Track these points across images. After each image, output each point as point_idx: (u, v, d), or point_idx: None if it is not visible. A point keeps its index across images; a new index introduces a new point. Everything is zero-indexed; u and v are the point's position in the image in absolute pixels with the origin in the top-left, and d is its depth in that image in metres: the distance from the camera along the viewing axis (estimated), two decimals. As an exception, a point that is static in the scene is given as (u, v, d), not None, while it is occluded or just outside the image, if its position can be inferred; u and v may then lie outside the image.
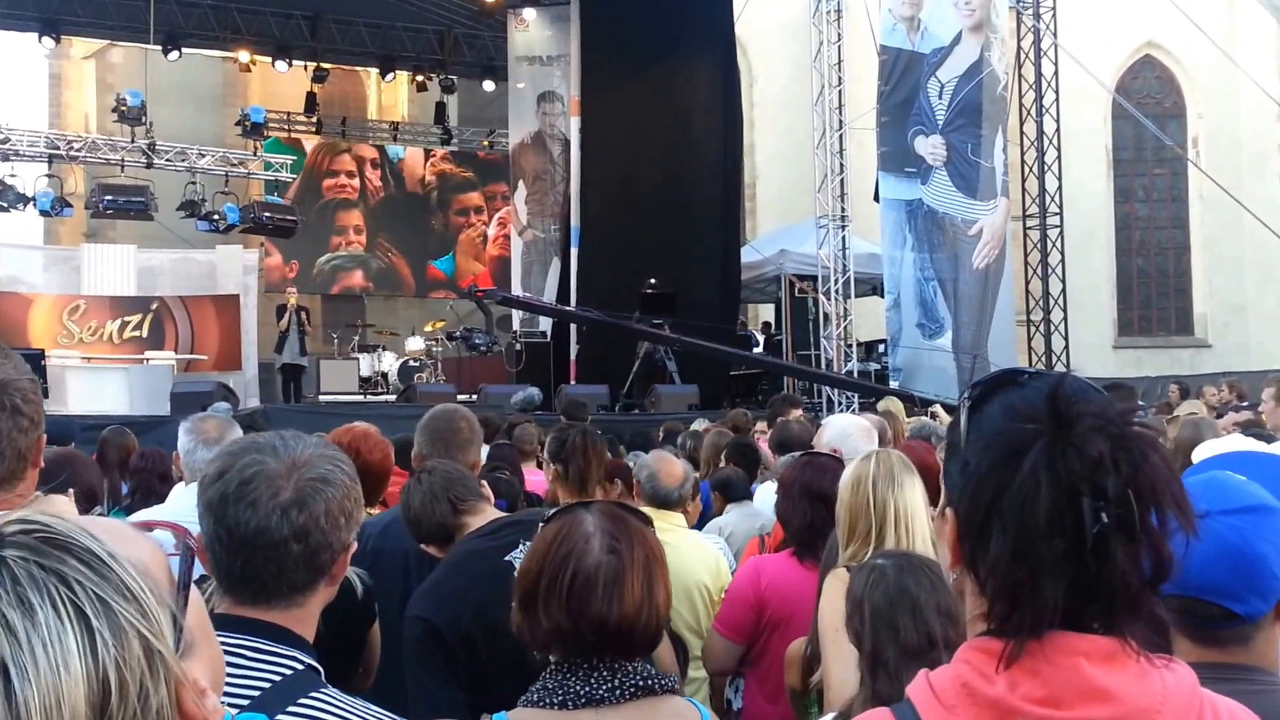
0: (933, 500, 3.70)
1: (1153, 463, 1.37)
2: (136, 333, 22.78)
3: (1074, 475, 1.35)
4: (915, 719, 1.44)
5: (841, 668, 3.36)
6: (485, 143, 28.53)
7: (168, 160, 23.70)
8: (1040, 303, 22.90)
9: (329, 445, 2.17)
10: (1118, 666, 1.39)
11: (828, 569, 3.67)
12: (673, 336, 17.35)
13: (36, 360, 15.87)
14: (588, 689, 2.32)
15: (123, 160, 23.33)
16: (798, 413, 9.51)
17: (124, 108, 22.57)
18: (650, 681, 2.37)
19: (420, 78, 26.96)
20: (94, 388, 19.44)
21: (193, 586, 1.26)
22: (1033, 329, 23.21)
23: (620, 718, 2.33)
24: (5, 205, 21.73)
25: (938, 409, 11.77)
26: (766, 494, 6.53)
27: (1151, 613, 1.41)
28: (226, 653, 1.70)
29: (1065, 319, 22.96)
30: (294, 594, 2.04)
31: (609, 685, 2.33)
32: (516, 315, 21.78)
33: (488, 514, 3.57)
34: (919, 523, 3.56)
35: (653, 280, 18.06)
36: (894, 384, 18.16)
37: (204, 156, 24.46)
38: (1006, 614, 1.40)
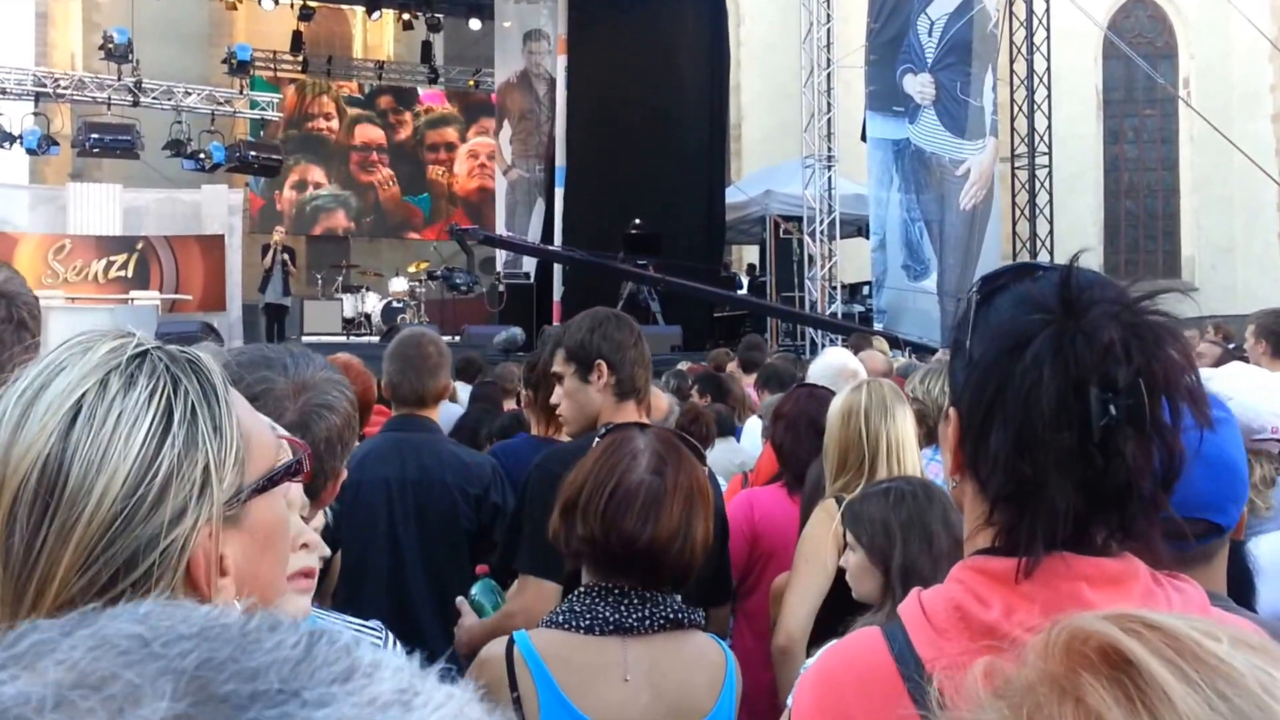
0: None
1: (1168, 352, 1.30)
2: (122, 273, 22.68)
3: (1082, 364, 1.28)
4: (905, 640, 1.37)
5: (798, 598, 3.42)
6: (471, 82, 28.29)
7: (154, 99, 23.58)
8: (1027, 244, 22.79)
9: (334, 369, 2.16)
10: (1122, 590, 1.31)
11: (813, 501, 3.66)
12: (656, 276, 17.30)
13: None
14: (617, 616, 2.30)
15: (109, 99, 23.23)
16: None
17: (111, 45, 22.44)
18: (679, 615, 2.35)
19: (406, 16, 26.67)
20: (78, 328, 18.86)
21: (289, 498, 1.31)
22: (1019, 271, 23.16)
23: (647, 648, 2.31)
24: (-9, 143, 21.63)
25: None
26: (750, 432, 6.56)
27: (1170, 519, 1.34)
28: None
29: (1053, 261, 22.87)
30: None
31: (639, 615, 2.31)
32: (500, 256, 21.73)
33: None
34: (910, 453, 3.55)
35: (637, 220, 17.99)
36: (878, 326, 18.07)
37: (190, 95, 24.34)
38: (1013, 522, 1.34)
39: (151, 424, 1.04)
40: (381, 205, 29.51)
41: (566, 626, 2.31)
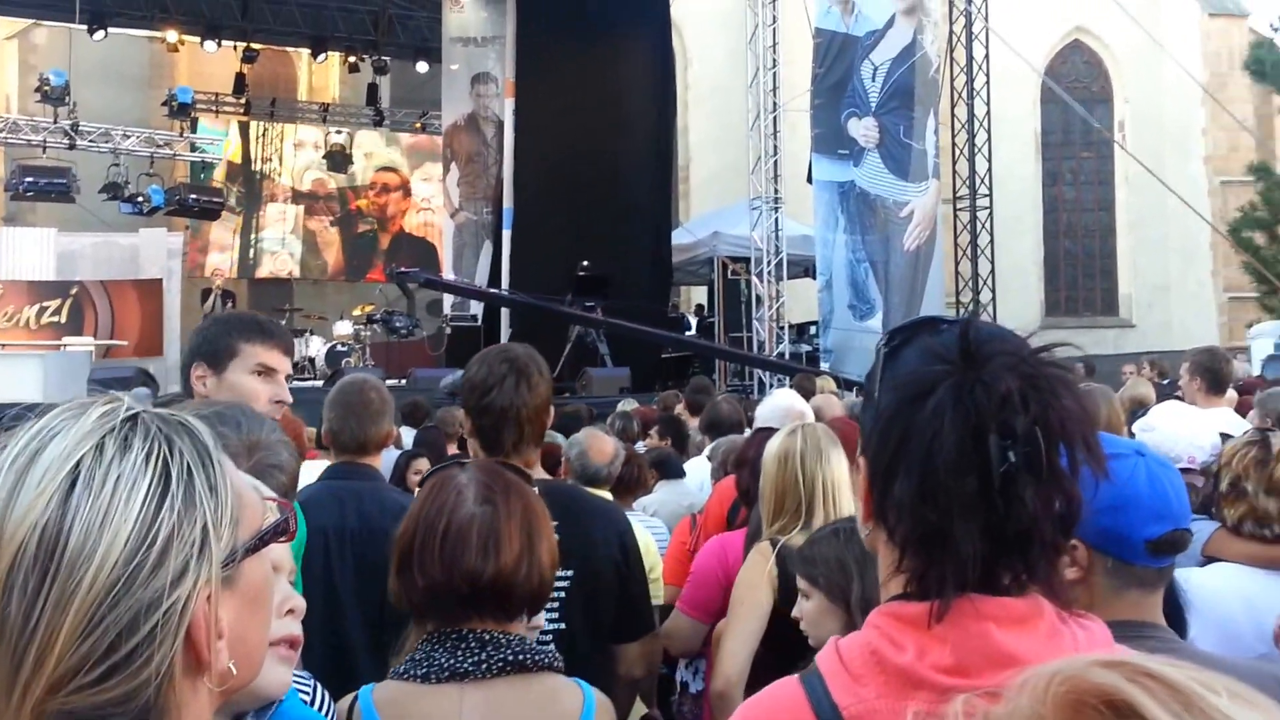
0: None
1: (1064, 402, 1.35)
2: (55, 318, 22.38)
3: (982, 412, 1.32)
4: (822, 688, 1.40)
5: (735, 643, 3.41)
6: (418, 124, 28.25)
7: (91, 141, 23.35)
8: (969, 284, 23.09)
9: (280, 428, 2.17)
10: (1028, 629, 1.35)
11: (752, 542, 3.66)
12: (601, 319, 17.30)
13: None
14: (453, 661, 2.19)
15: (44, 141, 22.95)
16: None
17: (47, 88, 22.22)
18: (522, 657, 2.22)
19: (353, 59, 26.66)
20: (6, 375, 19.04)
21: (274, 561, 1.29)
22: (962, 310, 23.33)
23: (486, 694, 2.19)
24: (-77, 186, 21.26)
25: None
26: (696, 472, 6.57)
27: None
28: None
29: (994, 300, 23.17)
30: None
31: (475, 659, 2.19)
32: (448, 298, 21.65)
33: None
34: (845, 495, 3.55)
35: (585, 262, 18.01)
36: (825, 365, 18.19)
37: (128, 138, 24.11)
38: (922, 568, 1.37)
39: (150, 486, 1.04)
40: (326, 248, 29.31)
41: (406, 676, 2.22)
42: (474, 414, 3.35)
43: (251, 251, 28.45)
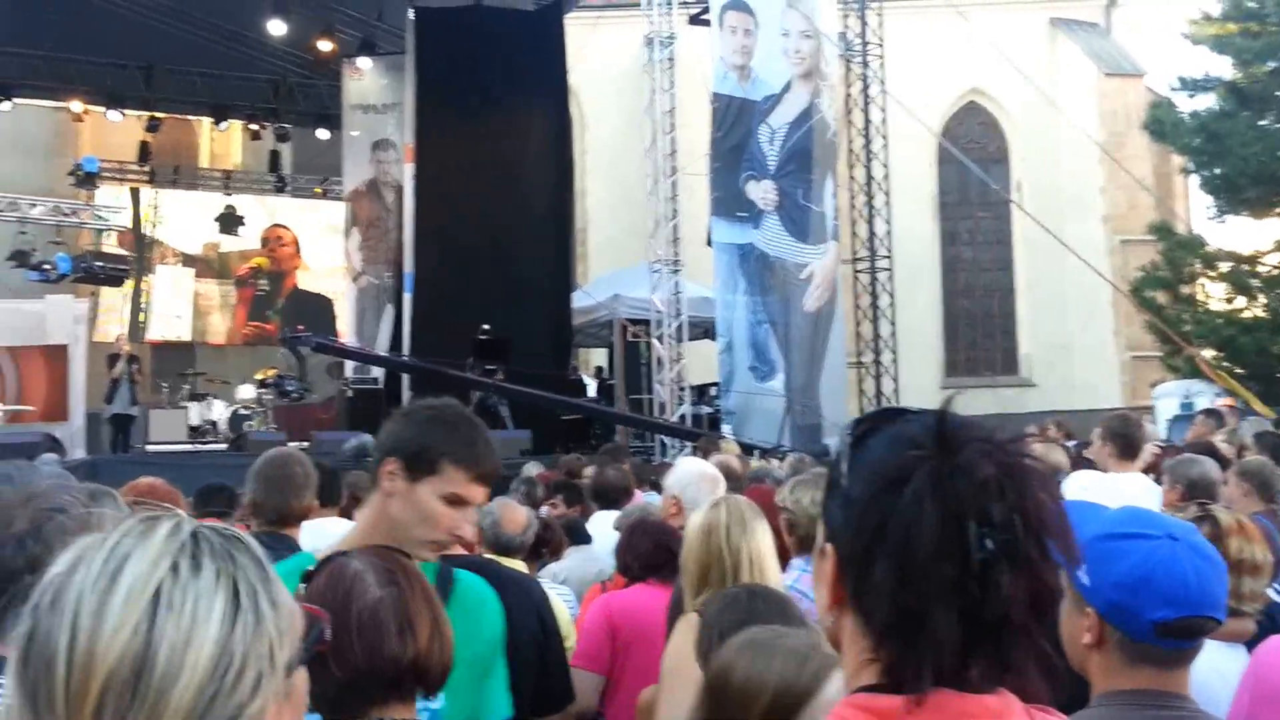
0: (777, 544, 3.81)
1: (1038, 494, 1.33)
2: (-39, 384, 22.11)
3: (961, 498, 1.30)
4: None
5: (670, 709, 3.37)
6: (319, 190, 28.24)
7: (-2, 210, 23.22)
8: (870, 345, 23.34)
9: (66, 476, 2.15)
10: None
11: (675, 615, 3.68)
12: (498, 384, 17.32)
13: None
14: None
15: (-50, 210, 22.80)
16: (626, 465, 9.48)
17: (-49, 157, 22.05)
18: None
19: (254, 126, 26.69)
20: None
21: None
22: (863, 371, 23.63)
23: None
24: None
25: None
26: (601, 538, 6.57)
27: (1043, 652, 1.36)
28: None
29: (895, 360, 23.41)
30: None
31: None
32: (350, 362, 21.65)
33: None
34: (769, 564, 3.61)
35: (485, 326, 18.07)
36: (727, 427, 18.21)
37: (35, 206, 24.00)
38: (900, 654, 1.33)
39: (224, 605, 1.08)
40: (218, 310, 29.14)
41: None
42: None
43: (141, 315, 28.18)
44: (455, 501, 2.64)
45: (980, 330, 33.81)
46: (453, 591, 2.62)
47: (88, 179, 24.39)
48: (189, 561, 1.09)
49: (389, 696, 2.14)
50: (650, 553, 4.48)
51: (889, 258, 23.53)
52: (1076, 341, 31.95)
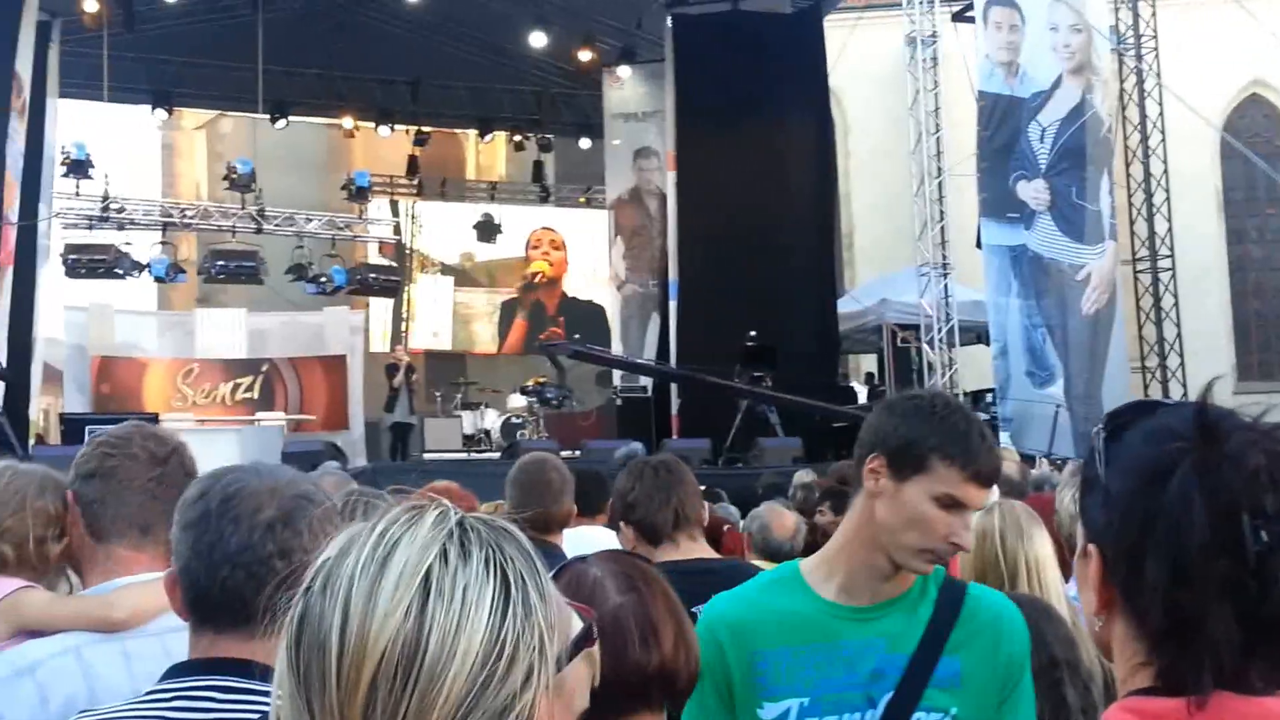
0: (1060, 553, 3.73)
1: None
2: (248, 394, 23.26)
3: (1231, 491, 1.26)
4: None
5: None
6: (582, 199, 28.65)
7: (276, 225, 24.27)
8: (1155, 348, 22.39)
9: (349, 481, 2.20)
10: None
11: None
12: (763, 392, 17.23)
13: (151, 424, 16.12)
14: None
15: (234, 226, 23.95)
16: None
17: (234, 175, 23.15)
18: None
19: (518, 137, 27.24)
20: (207, 449, 19.66)
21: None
22: (1149, 375, 22.67)
23: None
24: (121, 273, 22.27)
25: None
26: None
27: None
28: (200, 695, 1.80)
29: (1183, 365, 22.40)
30: (276, 618, 1.98)
31: None
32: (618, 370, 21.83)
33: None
34: (1050, 573, 3.51)
35: (752, 333, 17.96)
36: (1004, 435, 17.67)
37: (311, 221, 25.02)
38: (1177, 656, 1.30)
39: (494, 593, 1.07)
40: (480, 319, 29.71)
41: None
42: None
43: (405, 325, 28.93)
44: (949, 504, 2.36)
45: (1273, 332, 32.00)
46: (964, 606, 2.45)
47: (360, 193, 25.28)
48: (458, 549, 1.07)
49: (636, 706, 2.07)
50: None
51: (1171, 257, 22.59)
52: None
